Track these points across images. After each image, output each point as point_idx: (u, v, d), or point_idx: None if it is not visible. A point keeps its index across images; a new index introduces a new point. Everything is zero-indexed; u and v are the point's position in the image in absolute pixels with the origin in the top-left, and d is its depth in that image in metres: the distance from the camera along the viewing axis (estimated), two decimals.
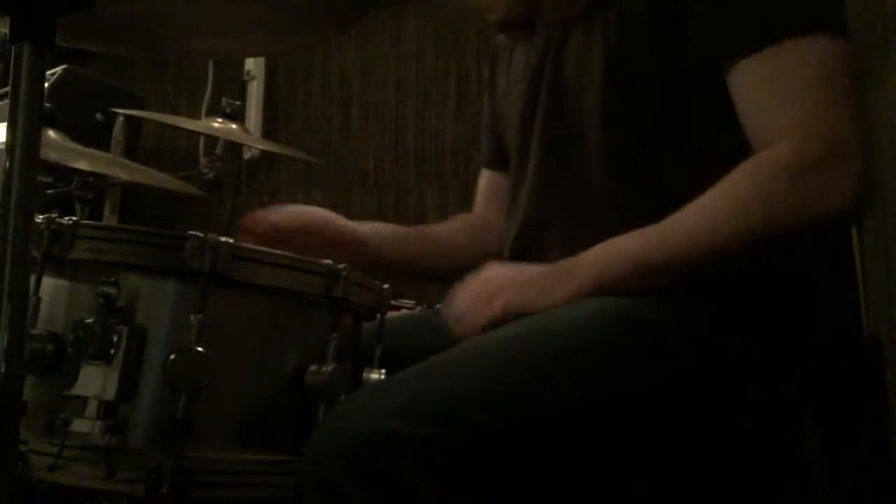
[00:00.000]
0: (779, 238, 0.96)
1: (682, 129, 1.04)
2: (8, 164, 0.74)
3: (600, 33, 1.08)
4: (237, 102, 1.71)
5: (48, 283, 0.96)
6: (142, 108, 2.86)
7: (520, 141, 1.20)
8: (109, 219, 2.36)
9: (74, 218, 0.96)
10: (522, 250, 1.18)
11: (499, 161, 1.37)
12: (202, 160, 2.83)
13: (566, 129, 1.13)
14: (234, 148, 2.67)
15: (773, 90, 0.98)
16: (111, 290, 0.92)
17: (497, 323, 1.00)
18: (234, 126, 1.71)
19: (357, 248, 1.27)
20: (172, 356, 0.90)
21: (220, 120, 1.71)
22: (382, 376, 1.04)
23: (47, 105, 1.36)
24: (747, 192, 0.96)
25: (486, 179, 1.44)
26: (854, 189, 0.94)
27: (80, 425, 0.90)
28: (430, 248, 1.38)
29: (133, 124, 2.66)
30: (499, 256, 1.27)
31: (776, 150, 0.96)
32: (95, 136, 2.38)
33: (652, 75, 1.05)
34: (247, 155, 2.83)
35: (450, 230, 1.42)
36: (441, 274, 1.32)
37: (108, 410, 0.90)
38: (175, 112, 3.00)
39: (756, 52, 0.98)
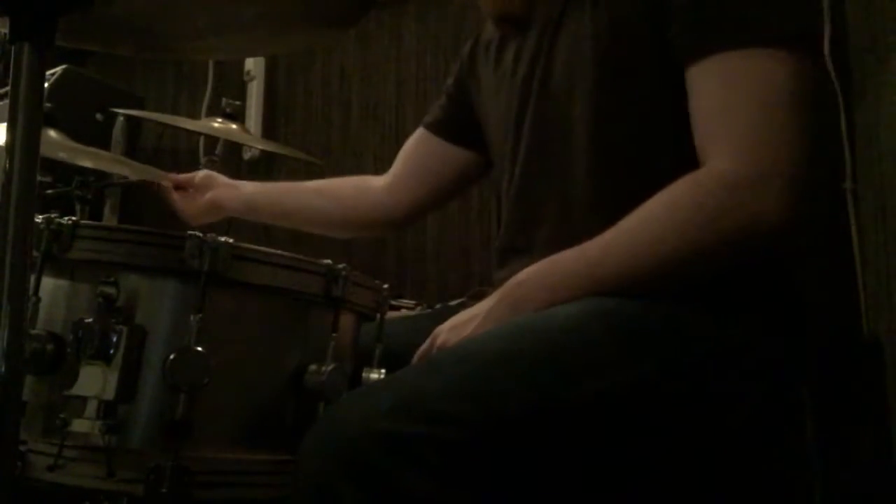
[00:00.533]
0: (719, 253, 0.97)
1: (671, 130, 1.04)
2: (8, 164, 0.74)
3: (591, 35, 1.08)
4: (237, 102, 1.72)
5: (48, 283, 0.96)
6: (142, 108, 2.86)
7: (513, 142, 1.20)
8: (109, 219, 2.36)
9: (74, 218, 0.96)
10: (511, 248, 1.18)
11: (446, 130, 1.44)
12: (202, 160, 2.84)
13: (554, 131, 1.13)
14: (234, 148, 2.67)
15: (723, 99, 0.98)
16: (111, 290, 0.92)
17: None
18: (234, 126, 1.71)
19: (232, 190, 1.57)
20: (172, 356, 0.90)
21: (220, 120, 1.72)
22: (382, 376, 1.04)
23: (47, 105, 1.36)
24: (687, 207, 0.97)
25: (420, 140, 1.50)
26: (790, 205, 0.94)
27: (79, 425, 0.90)
28: (297, 194, 1.57)
29: (133, 124, 2.66)
30: (364, 224, 1.52)
31: (714, 167, 0.97)
32: (95, 136, 2.38)
33: (642, 77, 1.06)
34: (247, 155, 2.83)
35: (329, 182, 1.59)
36: (304, 217, 1.56)
37: (107, 410, 0.90)
38: (175, 112, 3.00)
39: (714, 53, 0.98)
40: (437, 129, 1.46)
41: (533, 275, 1.03)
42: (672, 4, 1.01)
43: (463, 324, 1.04)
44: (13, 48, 0.76)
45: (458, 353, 0.96)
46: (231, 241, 0.93)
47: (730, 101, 0.98)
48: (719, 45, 0.98)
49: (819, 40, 1.03)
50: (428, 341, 1.07)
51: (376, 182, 1.54)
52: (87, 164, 1.48)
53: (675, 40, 1.02)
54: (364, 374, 1.04)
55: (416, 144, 1.50)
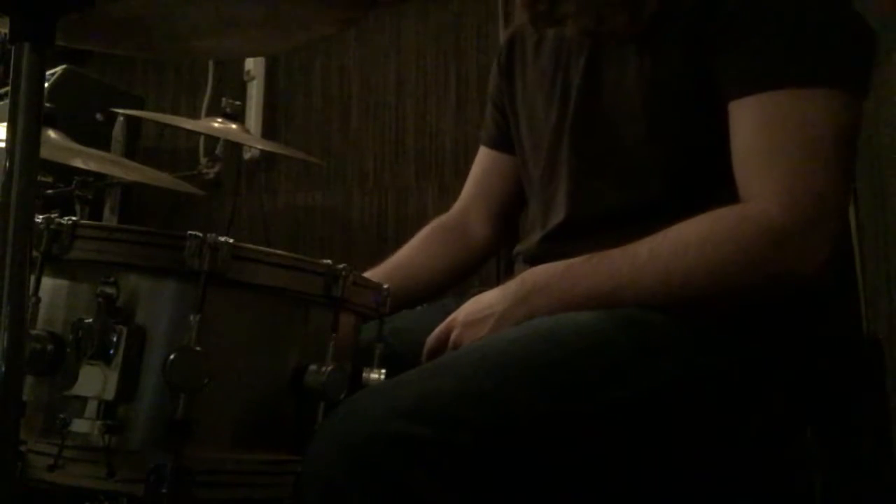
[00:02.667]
0: (753, 294, 0.97)
1: (716, 154, 1.02)
2: (8, 164, 0.74)
3: (636, 67, 1.06)
4: (237, 102, 1.71)
5: (48, 283, 0.96)
6: (142, 108, 2.86)
7: (548, 153, 1.19)
8: (109, 219, 2.36)
9: (74, 218, 0.96)
10: (553, 250, 1.16)
11: (500, 142, 1.40)
12: (202, 160, 2.84)
13: (601, 149, 1.11)
14: (234, 148, 2.67)
15: (768, 140, 0.96)
16: (111, 290, 0.92)
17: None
18: (234, 126, 1.71)
19: None
20: (172, 356, 0.90)
21: (220, 120, 1.71)
22: (382, 376, 1.04)
23: (47, 105, 1.36)
24: (729, 247, 0.96)
25: (484, 157, 1.45)
26: (827, 255, 0.94)
27: (79, 425, 0.90)
28: (410, 281, 1.37)
29: (133, 124, 2.66)
30: (474, 258, 1.39)
31: (759, 209, 0.95)
32: (95, 136, 2.38)
33: (693, 111, 1.04)
34: (247, 155, 2.84)
35: (423, 253, 1.42)
36: (428, 295, 1.37)
37: (107, 410, 0.90)
38: (175, 112, 3.00)
39: (758, 92, 0.97)
40: (492, 142, 1.43)
41: (551, 280, 1.02)
42: (719, 40, 1.00)
43: (477, 321, 1.03)
44: (13, 48, 0.76)
45: (471, 356, 0.95)
46: (231, 241, 0.93)
47: (775, 140, 0.96)
48: (767, 84, 0.97)
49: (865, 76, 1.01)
50: (444, 325, 1.07)
51: (449, 220, 1.45)
52: (91, 166, 1.48)
53: (721, 74, 1.00)
54: (364, 374, 1.04)
55: (478, 163, 1.46)
